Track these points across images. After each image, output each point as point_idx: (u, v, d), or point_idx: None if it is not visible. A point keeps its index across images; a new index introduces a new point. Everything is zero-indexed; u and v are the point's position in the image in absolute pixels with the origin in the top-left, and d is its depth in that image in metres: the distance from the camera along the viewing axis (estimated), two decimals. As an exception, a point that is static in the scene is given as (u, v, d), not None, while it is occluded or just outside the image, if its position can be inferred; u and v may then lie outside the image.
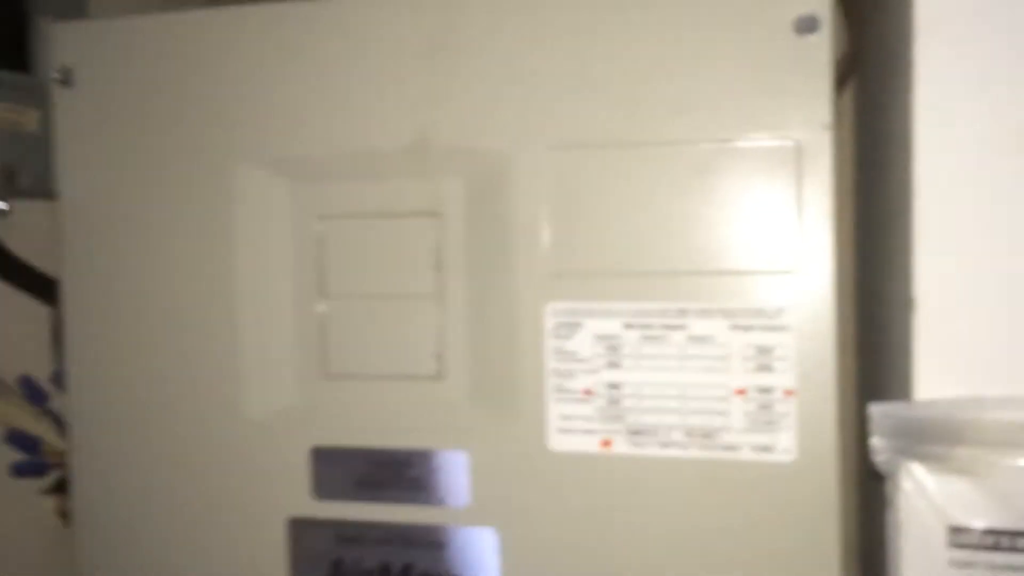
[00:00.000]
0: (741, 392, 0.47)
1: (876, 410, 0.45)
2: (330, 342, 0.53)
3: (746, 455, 0.47)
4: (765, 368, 0.46)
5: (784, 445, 0.46)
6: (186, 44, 0.54)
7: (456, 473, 0.51)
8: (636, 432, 0.48)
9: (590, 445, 0.49)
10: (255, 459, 0.54)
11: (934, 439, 0.45)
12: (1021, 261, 0.43)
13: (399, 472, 0.52)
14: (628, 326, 0.48)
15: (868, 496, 0.51)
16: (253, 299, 0.54)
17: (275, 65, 0.53)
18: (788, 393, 0.46)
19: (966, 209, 0.44)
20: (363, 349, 0.53)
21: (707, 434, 0.47)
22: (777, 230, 0.46)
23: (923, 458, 0.45)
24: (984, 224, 0.43)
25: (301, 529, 0.54)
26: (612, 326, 0.48)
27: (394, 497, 0.53)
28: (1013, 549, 0.44)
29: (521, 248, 0.49)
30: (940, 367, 0.45)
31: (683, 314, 0.47)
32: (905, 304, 0.46)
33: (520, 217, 0.49)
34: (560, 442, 0.50)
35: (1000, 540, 0.44)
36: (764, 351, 0.46)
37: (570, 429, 0.49)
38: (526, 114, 0.49)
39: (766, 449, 0.47)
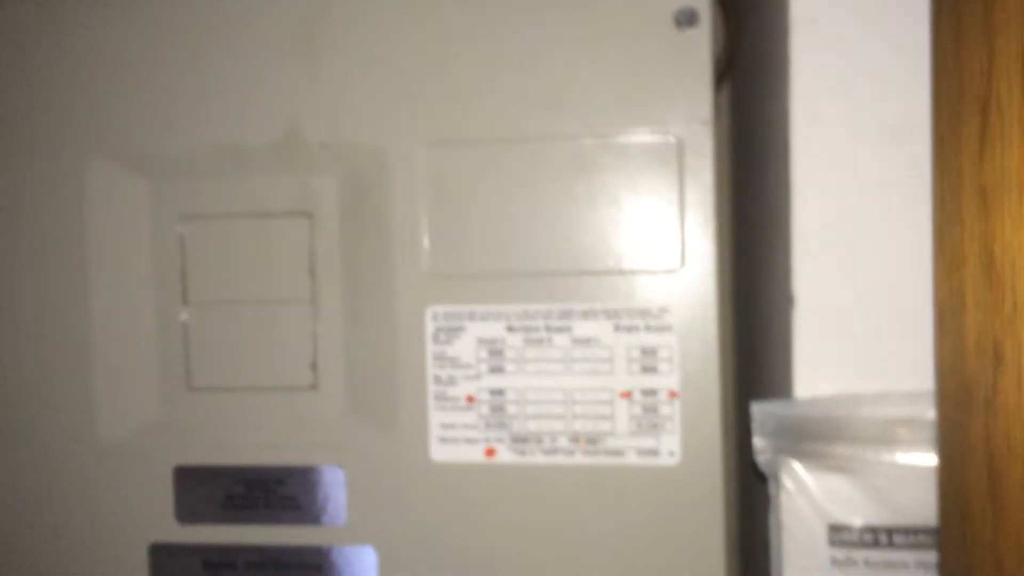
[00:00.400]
0: (626, 395, 0.46)
1: (757, 409, 0.45)
2: (193, 352, 0.50)
3: (631, 459, 0.46)
4: (650, 370, 0.45)
5: (669, 448, 0.45)
6: (38, 32, 0.50)
7: (333, 490, 0.48)
8: (520, 439, 0.46)
9: (473, 454, 0.47)
10: (113, 481, 0.50)
11: (813, 437, 0.45)
12: (898, 256, 0.44)
13: (271, 491, 0.49)
14: (511, 329, 0.46)
15: (749, 498, 0.51)
16: (108, 307, 0.50)
17: (133, 54, 0.49)
18: (672, 395, 0.45)
19: (844, 205, 0.44)
20: (230, 359, 0.50)
21: (592, 439, 0.46)
22: (659, 228, 0.45)
23: (803, 456, 0.45)
24: (861, 220, 0.44)
25: (164, 556, 0.50)
26: (495, 329, 0.46)
27: (266, 518, 0.49)
28: (891, 545, 0.44)
29: (399, 249, 0.47)
30: (820, 364, 0.45)
31: (567, 315, 0.46)
32: (785, 301, 0.45)
33: (397, 217, 0.47)
34: (442, 452, 0.47)
35: (878, 537, 0.44)
36: (648, 352, 0.45)
37: (452, 438, 0.47)
38: (402, 109, 0.47)
39: (651, 453, 0.46)
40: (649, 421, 0.45)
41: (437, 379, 0.47)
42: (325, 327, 0.49)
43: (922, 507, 0.43)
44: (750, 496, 0.51)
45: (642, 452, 0.46)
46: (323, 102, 0.47)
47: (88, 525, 0.51)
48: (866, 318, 0.44)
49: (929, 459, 0.43)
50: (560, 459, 0.46)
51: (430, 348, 0.47)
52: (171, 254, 0.50)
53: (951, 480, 0.39)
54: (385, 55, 0.47)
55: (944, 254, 0.39)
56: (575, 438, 0.46)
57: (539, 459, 0.46)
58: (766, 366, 0.50)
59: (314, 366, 0.49)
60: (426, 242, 0.47)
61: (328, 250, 0.48)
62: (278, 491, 0.49)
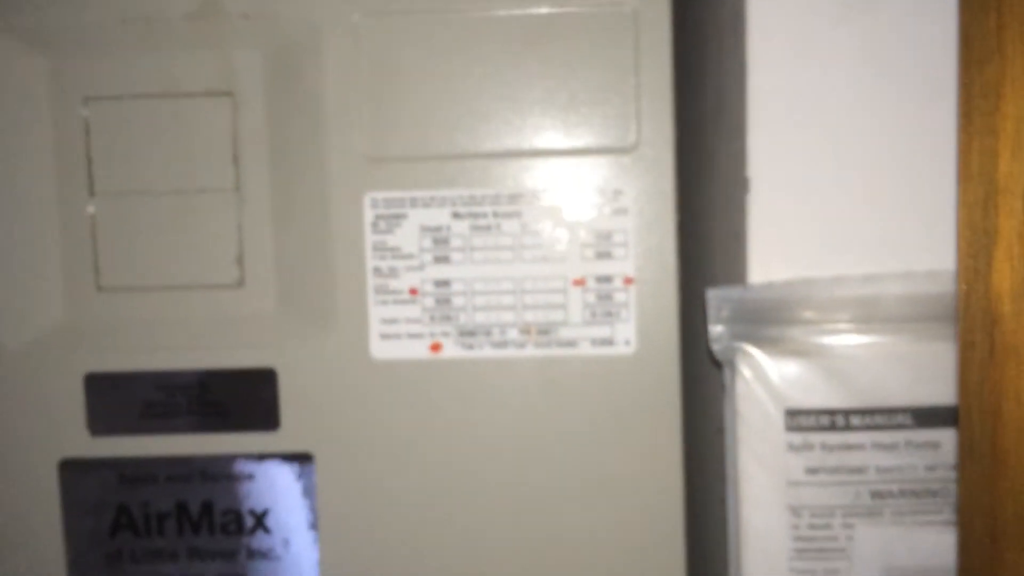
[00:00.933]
0: (579, 282, 0.44)
1: (713, 295, 0.44)
2: (102, 249, 0.45)
3: (585, 350, 0.44)
4: (604, 255, 0.43)
5: (624, 337, 0.44)
6: None
7: (263, 393, 0.45)
8: (468, 333, 0.44)
9: (418, 350, 0.44)
10: (16, 392, 0.45)
11: (769, 322, 0.44)
12: (855, 137, 0.43)
13: (194, 397, 0.45)
14: (457, 216, 0.43)
15: (697, 388, 0.50)
16: (4, 200, 0.45)
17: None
18: (628, 281, 0.44)
19: (801, 83, 0.42)
20: (144, 256, 0.45)
21: (544, 330, 0.44)
22: (614, 105, 0.43)
23: (760, 342, 0.44)
24: (818, 98, 0.42)
25: (75, 471, 0.46)
26: (439, 216, 0.43)
27: (189, 426, 0.45)
28: (847, 428, 0.44)
29: (333, 131, 0.44)
30: (774, 249, 0.44)
31: (516, 200, 0.43)
32: (738, 185, 0.44)
33: (331, 96, 0.43)
34: (383, 349, 0.44)
35: (835, 419, 0.44)
36: (603, 237, 0.43)
37: (395, 334, 0.44)
38: (335, -26, 0.43)
39: (606, 342, 0.44)
40: (603, 309, 0.44)
41: (377, 271, 0.44)
42: (251, 218, 0.45)
43: (878, 388, 0.43)
44: (698, 387, 0.50)
45: (596, 342, 0.44)
46: (245, -33, 0.43)
47: (-12, 442, 0.46)
48: (821, 202, 0.43)
49: (885, 340, 0.43)
50: (510, 352, 0.44)
51: (369, 238, 0.44)
52: (74, 140, 0.45)
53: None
54: (314, -86, 0.43)
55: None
56: (526, 329, 0.44)
57: (488, 352, 0.44)
58: (715, 253, 0.49)
59: (240, 260, 0.45)
60: (363, 123, 0.43)
61: (253, 133, 0.44)
62: (202, 397, 0.45)
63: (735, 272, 0.45)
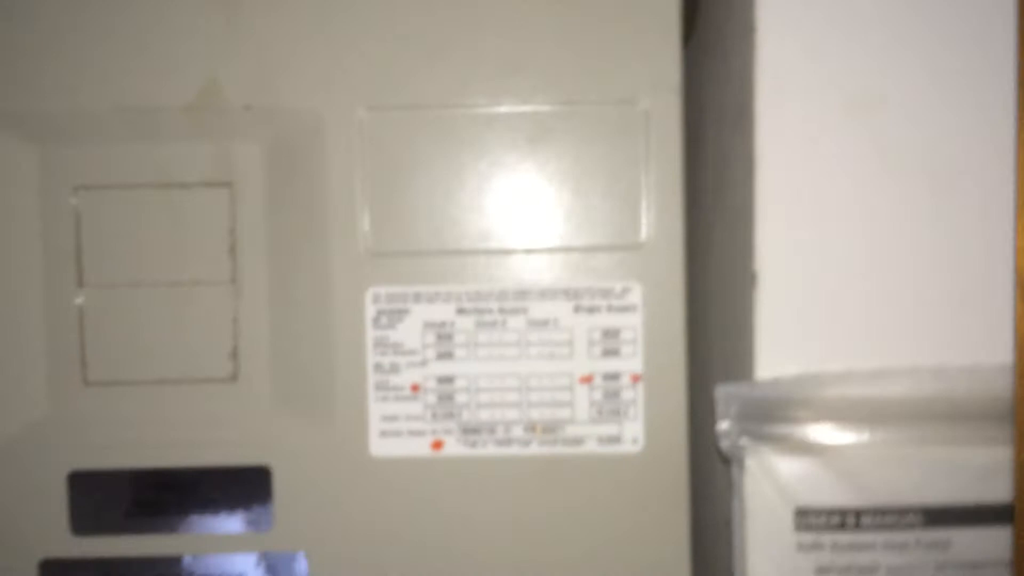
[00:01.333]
0: (587, 380, 0.43)
1: (721, 391, 0.43)
2: (90, 341, 0.43)
3: (592, 448, 0.43)
4: (612, 353, 0.43)
5: (632, 435, 0.43)
6: None
7: (256, 491, 0.43)
8: (471, 430, 0.43)
9: (419, 448, 0.43)
10: (-4, 490, 0.44)
11: (779, 419, 0.43)
12: (862, 233, 0.42)
13: (184, 495, 0.44)
14: (462, 311, 0.42)
15: (703, 485, 0.49)
16: (-14, 291, 0.43)
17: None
18: (635, 379, 0.43)
19: (809, 178, 0.42)
20: (134, 349, 0.43)
21: (550, 428, 0.43)
22: (623, 201, 0.42)
23: (769, 439, 0.43)
24: (826, 194, 0.42)
25: (57, 573, 0.44)
26: (443, 312, 0.42)
27: (179, 526, 0.44)
28: (858, 527, 0.43)
29: (335, 225, 0.42)
30: (782, 344, 0.43)
31: (523, 296, 0.42)
32: (746, 279, 0.44)
33: (333, 188, 0.42)
34: (383, 447, 0.43)
35: (846, 519, 0.43)
36: (611, 334, 0.42)
37: (395, 431, 0.43)
38: (339, 67, 0.42)
39: (613, 440, 0.43)
40: (611, 407, 0.43)
41: (378, 367, 0.43)
42: (247, 311, 0.43)
43: (888, 487, 0.43)
44: (704, 480, 0.50)
45: (603, 440, 0.43)
46: (246, 56, 0.42)
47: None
48: (830, 296, 0.43)
49: (895, 438, 0.42)
50: (515, 450, 0.43)
51: (370, 333, 0.43)
52: (64, 229, 0.43)
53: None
54: (319, 3, 0.42)
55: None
56: (531, 427, 0.43)
57: (491, 451, 0.43)
58: (721, 348, 0.49)
59: (234, 354, 0.43)
60: (366, 217, 0.42)
61: (252, 225, 0.43)
62: (193, 495, 0.44)
63: (740, 366, 0.45)
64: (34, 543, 0.44)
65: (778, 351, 0.43)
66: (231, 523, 0.43)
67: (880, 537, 0.43)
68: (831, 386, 0.43)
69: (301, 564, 0.44)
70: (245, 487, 0.43)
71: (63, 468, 0.43)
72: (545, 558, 0.43)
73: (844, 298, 0.43)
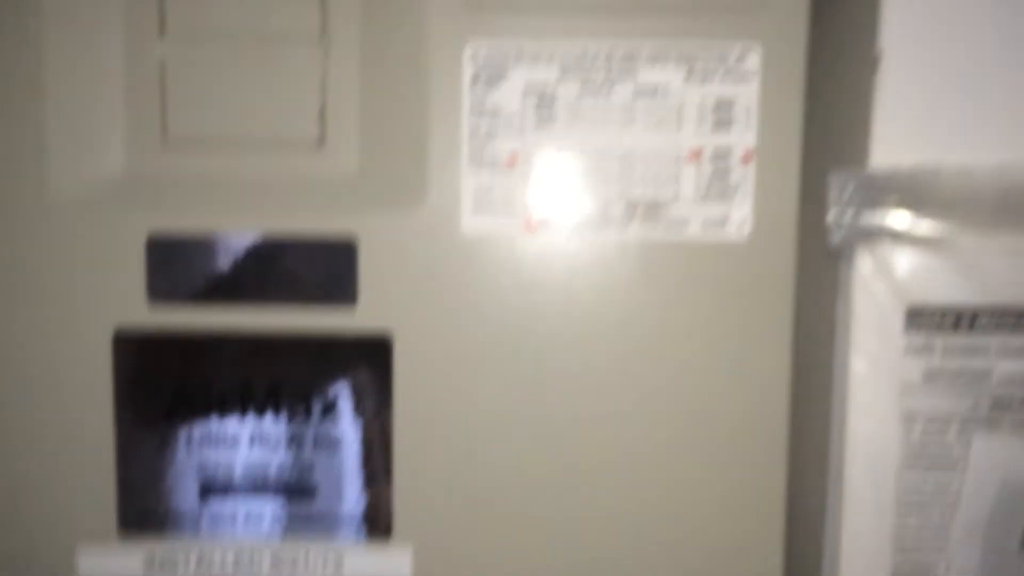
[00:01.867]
0: (695, 155, 0.40)
1: (836, 177, 0.40)
2: (171, 96, 0.41)
3: (695, 231, 0.40)
4: (723, 125, 0.39)
5: (739, 217, 0.40)
6: None
7: (341, 265, 0.41)
8: (568, 208, 0.40)
9: (512, 226, 0.41)
10: (69, 253, 0.41)
11: (895, 210, 0.40)
12: (991, 21, 0.39)
13: (265, 266, 0.42)
14: (565, 72, 0.39)
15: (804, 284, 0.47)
16: (64, 37, 0.41)
17: None
18: (747, 156, 0.40)
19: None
20: (216, 106, 0.41)
21: (652, 207, 0.40)
22: (748, -43, 0.39)
23: (884, 232, 0.40)
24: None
25: (132, 344, 0.42)
26: (546, 72, 0.39)
27: (257, 297, 0.42)
28: (972, 328, 0.40)
29: (433, -27, 0.39)
30: (901, 132, 0.40)
31: (631, 59, 0.39)
32: (866, 60, 0.40)
33: (432, -68, 0.39)
34: (475, 224, 0.41)
35: (960, 319, 0.40)
36: (724, 105, 0.39)
37: (488, 206, 0.40)
38: None
39: (719, 223, 0.40)
40: (719, 186, 0.40)
41: (474, 133, 0.40)
42: (337, 67, 0.40)
43: (1009, 286, 0.40)
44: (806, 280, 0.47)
45: (709, 222, 0.40)
46: None
47: (44, 305, 0.42)
48: (955, 85, 0.40)
49: (1018, 235, 0.39)
50: (613, 231, 0.40)
51: (467, 95, 0.40)
52: (145, -28, 0.40)
53: None
54: None
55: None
56: (633, 205, 0.40)
57: (588, 231, 0.40)
58: (836, 133, 0.45)
59: (322, 115, 0.41)
60: (467, -36, 0.39)
61: (344, -27, 0.40)
62: (274, 267, 0.42)
63: (853, 154, 0.41)
64: (108, 309, 0.42)
65: (896, 140, 0.40)
66: (312, 296, 0.41)
67: (995, 340, 0.40)
68: (953, 179, 0.40)
69: (384, 343, 0.42)
70: (329, 260, 0.41)
71: (141, 231, 0.42)
72: (634, 348, 0.41)
73: (970, 88, 0.40)
